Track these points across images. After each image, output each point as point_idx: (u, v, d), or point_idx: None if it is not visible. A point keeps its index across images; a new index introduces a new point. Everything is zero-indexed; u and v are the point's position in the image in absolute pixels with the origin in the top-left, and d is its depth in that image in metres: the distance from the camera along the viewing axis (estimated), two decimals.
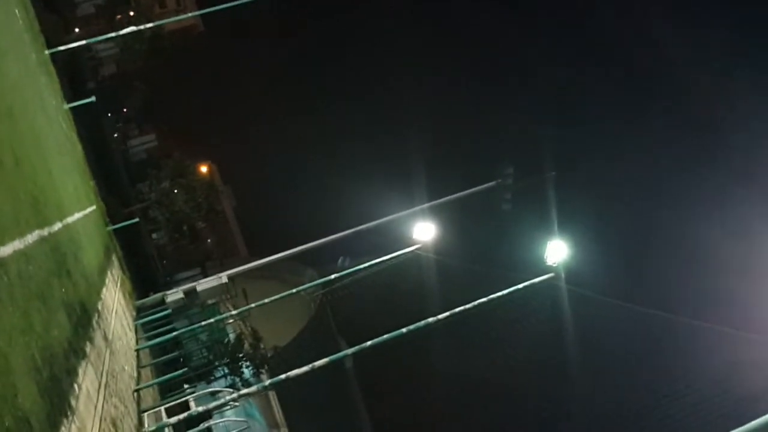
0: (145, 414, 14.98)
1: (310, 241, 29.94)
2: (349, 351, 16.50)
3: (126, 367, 14.92)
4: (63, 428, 6.96)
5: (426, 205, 30.24)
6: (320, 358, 15.31)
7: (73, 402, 7.89)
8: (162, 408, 16.38)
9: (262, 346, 34.85)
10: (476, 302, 17.63)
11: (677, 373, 36.44)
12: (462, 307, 17.43)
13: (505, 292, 18.10)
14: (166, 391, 22.19)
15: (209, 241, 69.24)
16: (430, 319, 16.79)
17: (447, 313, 17.14)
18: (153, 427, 14.43)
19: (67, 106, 25.07)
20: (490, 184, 30.68)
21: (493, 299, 17.87)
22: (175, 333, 22.99)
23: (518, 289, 18.30)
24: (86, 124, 33.88)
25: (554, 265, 19.48)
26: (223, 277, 27.77)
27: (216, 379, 30.42)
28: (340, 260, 58.90)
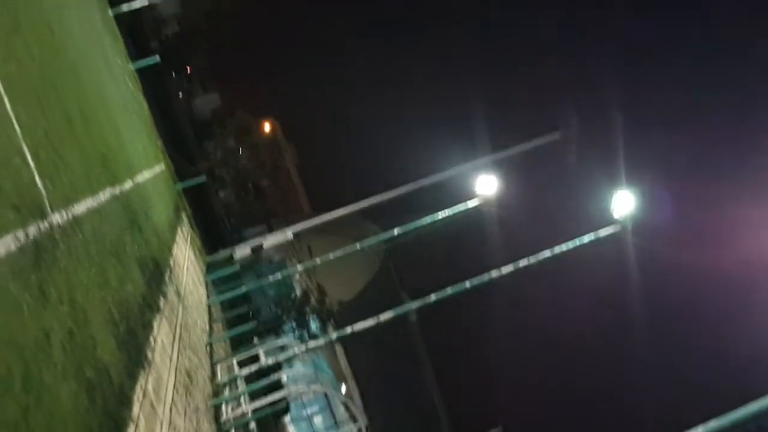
0: (218, 365, 15.46)
1: (373, 196, 30.01)
2: (413, 305, 16.61)
3: (198, 321, 15.38)
4: (141, 379, 7.22)
5: (488, 157, 29.84)
6: (385, 312, 15.46)
7: (149, 354, 8.17)
8: (234, 360, 16.87)
9: (327, 300, 35.41)
10: (540, 256, 17.43)
11: (754, 330, 35.44)
12: (525, 261, 17.27)
13: (569, 244, 17.82)
14: (237, 344, 22.83)
15: (274, 197, 70.22)
16: (493, 273, 16.70)
17: (510, 267, 17.01)
18: (226, 379, 14.90)
19: (132, 67, 25.54)
20: (554, 135, 30.02)
21: (556, 253, 17.62)
22: (244, 289, 23.54)
23: (583, 242, 17.99)
24: (151, 84, 34.46)
25: (621, 218, 18.99)
26: (289, 233, 28.21)
27: (284, 332, 31.16)
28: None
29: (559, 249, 17.65)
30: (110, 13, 23.85)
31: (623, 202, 18.88)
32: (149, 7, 38.49)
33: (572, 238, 18.07)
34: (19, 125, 5.69)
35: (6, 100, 5.58)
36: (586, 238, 18.10)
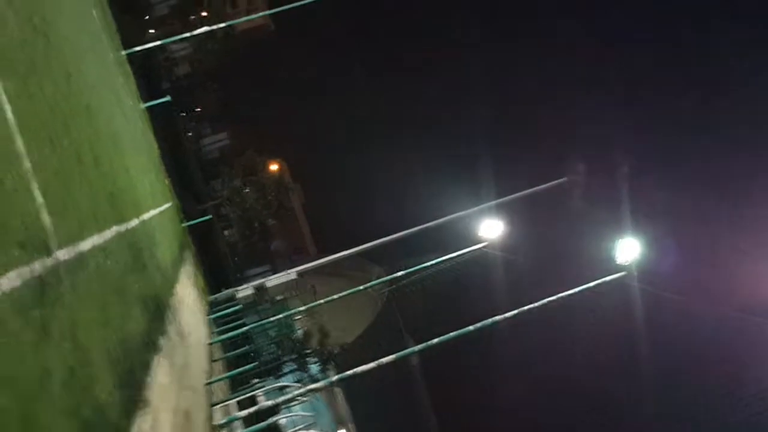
0: (216, 407, 15.29)
1: (377, 239, 30.07)
2: (416, 348, 16.46)
3: (198, 361, 15.26)
4: (138, 420, 7.15)
5: (494, 202, 29.94)
6: (387, 355, 15.33)
7: (147, 394, 8.10)
8: (233, 401, 16.70)
9: (329, 342, 35.21)
10: (544, 300, 17.33)
11: (760, 375, 35.12)
12: (530, 305, 17.16)
13: (574, 290, 17.73)
14: (236, 385, 22.61)
15: (279, 238, 70.35)
16: (498, 317, 16.58)
17: (515, 311, 16.90)
18: (223, 420, 14.73)
19: (143, 106, 25.84)
20: (560, 180, 30.16)
21: (561, 297, 17.52)
22: (245, 328, 23.40)
23: (588, 288, 17.89)
24: (161, 123, 34.87)
25: (626, 264, 18.92)
26: (292, 273, 28.19)
27: (284, 374, 30.92)
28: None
29: (564, 293, 17.56)
30: (123, 53, 24.24)
31: (628, 249, 18.85)
32: (161, 48, 39.21)
33: (575, 282, 17.98)
34: (30, 162, 5.75)
35: (18, 137, 5.66)
36: (592, 284, 18.01)
